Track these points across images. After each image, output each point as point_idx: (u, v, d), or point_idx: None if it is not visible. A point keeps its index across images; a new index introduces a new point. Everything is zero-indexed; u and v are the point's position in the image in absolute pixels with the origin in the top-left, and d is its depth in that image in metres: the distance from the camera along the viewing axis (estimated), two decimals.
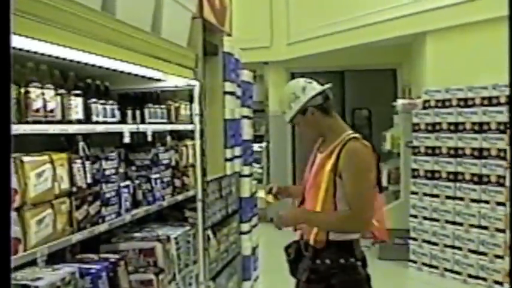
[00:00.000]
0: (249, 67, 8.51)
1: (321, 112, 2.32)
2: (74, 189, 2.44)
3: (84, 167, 2.53)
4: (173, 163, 3.60)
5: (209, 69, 3.41)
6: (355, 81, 7.82)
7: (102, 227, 2.64)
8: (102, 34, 2.17)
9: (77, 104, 2.56)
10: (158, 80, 3.08)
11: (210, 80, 3.39)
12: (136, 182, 3.24)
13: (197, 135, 3.09)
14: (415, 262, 5.43)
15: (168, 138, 3.69)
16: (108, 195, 2.76)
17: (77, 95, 2.56)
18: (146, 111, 3.38)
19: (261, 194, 2.67)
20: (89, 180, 2.61)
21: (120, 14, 2.28)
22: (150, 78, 3.10)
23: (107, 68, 2.76)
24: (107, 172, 2.78)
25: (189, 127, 3.17)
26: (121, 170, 3.22)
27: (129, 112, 3.32)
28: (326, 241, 2.29)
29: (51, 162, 2.28)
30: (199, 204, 3.17)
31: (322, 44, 6.87)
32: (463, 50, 5.27)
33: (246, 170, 4.01)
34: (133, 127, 3.10)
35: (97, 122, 2.73)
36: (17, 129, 2.08)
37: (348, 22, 6.47)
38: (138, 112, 3.37)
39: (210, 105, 3.40)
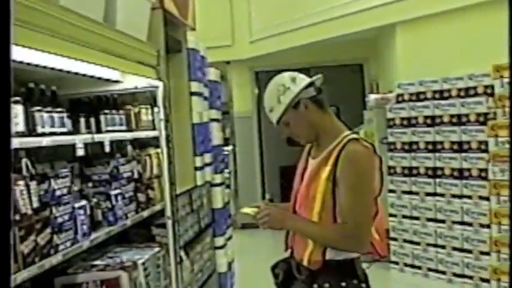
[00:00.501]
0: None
1: (316, 106, 1.98)
2: (17, 217, 2.01)
3: (28, 189, 2.10)
4: (136, 175, 3.20)
5: (172, 68, 3.03)
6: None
7: (55, 259, 2.21)
8: (44, 25, 1.75)
9: (16, 113, 2.13)
10: (115, 82, 2.66)
11: (174, 80, 3.00)
12: (94, 200, 2.83)
13: (163, 143, 2.69)
14: (396, 263, 5.20)
15: (129, 147, 3.27)
16: (60, 220, 2.33)
17: (16, 102, 2.13)
18: (102, 118, 2.96)
19: (246, 210, 2.25)
20: (36, 204, 2.19)
21: (65, 0, 1.87)
22: (105, 80, 2.68)
23: (52, 69, 2.33)
24: (58, 192, 2.35)
25: (153, 134, 2.77)
26: (75, 188, 2.79)
27: (82, 120, 2.89)
28: (323, 261, 1.93)
29: None
30: (168, 223, 2.77)
31: (286, 40, 6.59)
32: (435, 40, 5.08)
33: (218, 179, 3.64)
34: (87, 137, 2.67)
35: (43, 134, 2.30)
36: None
37: (312, 17, 6.21)
38: (92, 120, 2.95)
39: (175, 108, 3.02)
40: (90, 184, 2.94)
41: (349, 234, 1.86)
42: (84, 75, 2.54)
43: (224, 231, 3.71)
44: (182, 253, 2.84)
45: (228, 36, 7.25)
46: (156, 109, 2.71)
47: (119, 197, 2.95)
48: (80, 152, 2.58)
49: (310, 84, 1.99)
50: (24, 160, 2.18)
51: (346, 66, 7.44)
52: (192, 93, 3.16)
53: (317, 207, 1.91)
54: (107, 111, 2.98)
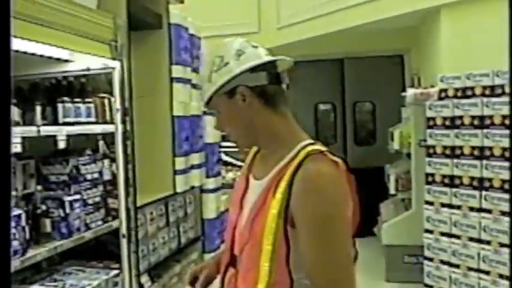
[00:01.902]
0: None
1: (261, 101, 1.33)
2: None
3: None
4: (107, 177, 2.67)
5: (148, 48, 2.47)
6: (357, 70, 6.82)
7: None
8: None
9: None
10: (65, 62, 2.13)
11: (150, 63, 2.43)
12: (42, 207, 2.31)
13: (119, 139, 2.13)
14: (430, 287, 4.47)
15: (101, 143, 2.73)
16: None
17: None
18: (60, 107, 2.44)
19: None
20: None
21: None
22: (63, 60, 2.15)
23: None
24: None
25: (109, 128, 2.22)
26: (13, 193, 2.29)
27: (38, 108, 2.39)
28: None
29: None
30: (123, 243, 2.21)
31: (317, 26, 5.93)
32: (486, 27, 4.34)
33: (211, 183, 3.05)
34: (28, 130, 2.15)
35: None
36: None
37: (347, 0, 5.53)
38: (48, 109, 2.44)
39: (151, 97, 2.44)
40: (39, 187, 2.43)
41: None
42: (23, 52, 2.01)
43: (218, 245, 3.13)
44: (145, 279, 2.28)
45: (254, 23, 6.65)
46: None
47: (77, 204, 2.43)
48: (15, 148, 2.06)
49: (263, 67, 1.32)
50: None
51: (385, 57, 6.68)
52: (173, 79, 2.58)
53: (264, 260, 1.26)
54: (66, 99, 2.47)
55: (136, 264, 2.25)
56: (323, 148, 1.32)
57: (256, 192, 1.35)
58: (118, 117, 2.14)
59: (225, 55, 1.33)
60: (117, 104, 2.12)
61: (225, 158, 7.80)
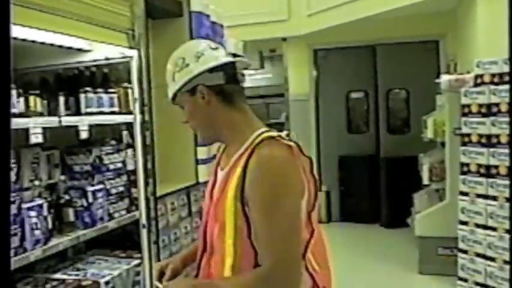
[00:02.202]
0: (267, 45, 7.54)
1: (219, 98, 1.46)
2: None
3: None
4: (131, 167, 2.67)
5: (169, 36, 2.43)
6: (390, 57, 6.61)
7: None
8: None
9: None
10: (84, 52, 2.13)
11: (171, 52, 2.39)
12: (66, 197, 2.33)
13: (137, 129, 2.12)
14: (465, 280, 4.33)
15: (124, 133, 2.73)
16: None
17: None
18: (82, 97, 2.45)
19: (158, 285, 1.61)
20: None
21: None
22: (82, 50, 2.15)
23: None
24: None
25: (131, 118, 2.20)
26: (36, 183, 2.32)
27: (62, 99, 2.41)
28: None
29: None
30: (143, 232, 2.20)
31: (349, 12, 5.77)
32: None
33: None
34: (49, 120, 2.17)
35: None
36: None
37: None
38: (71, 100, 2.45)
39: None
40: (62, 177, 2.45)
41: (271, 280, 1.33)
42: (41, 43, 2.01)
43: None
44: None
45: (284, 10, 6.54)
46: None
47: (100, 194, 2.45)
48: (35, 139, 2.08)
49: (221, 68, 1.45)
50: None
51: (419, 43, 6.45)
52: None
53: (229, 238, 1.38)
54: (89, 89, 2.47)
55: (156, 253, 2.25)
56: (276, 134, 1.42)
57: (220, 181, 1.47)
58: (136, 106, 2.12)
59: (186, 57, 1.47)
60: (135, 94, 2.10)
61: None
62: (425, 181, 4.97)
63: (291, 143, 1.38)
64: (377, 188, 6.48)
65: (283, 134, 1.44)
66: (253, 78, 8.02)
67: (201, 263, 1.53)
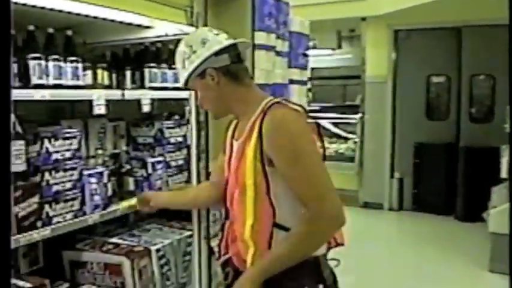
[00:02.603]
0: (345, 25, 7.35)
1: (227, 78, 1.63)
2: None
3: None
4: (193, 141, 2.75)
5: (229, 14, 2.46)
6: (476, 40, 6.15)
7: (39, 235, 1.88)
8: None
9: None
10: (145, 28, 2.20)
11: (231, 29, 2.42)
12: (127, 166, 2.46)
13: (192, 105, 2.18)
14: None
15: (187, 108, 2.81)
16: (57, 188, 1.99)
17: None
18: (146, 72, 2.54)
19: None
20: (20, 168, 1.87)
21: None
22: (140, 26, 2.23)
23: (69, 13, 1.96)
24: (56, 156, 2.01)
25: (184, 94, 2.26)
26: (100, 152, 2.46)
27: (128, 73, 2.52)
28: None
29: None
30: None
31: None
32: None
33: None
34: (112, 93, 2.28)
35: (41, 86, 1.95)
36: None
37: None
38: (137, 74, 2.56)
39: None
40: (124, 148, 2.59)
41: (318, 217, 1.46)
42: (105, 20, 2.11)
43: None
44: (215, 243, 2.34)
45: None
46: None
47: (159, 165, 2.55)
48: (99, 110, 2.21)
49: (225, 50, 1.61)
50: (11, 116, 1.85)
51: (507, 26, 5.93)
52: (255, 46, 2.55)
53: (249, 196, 1.53)
54: (153, 64, 2.57)
55: (206, 227, 2.32)
56: (283, 100, 1.59)
57: (237, 151, 1.62)
58: None
59: (193, 44, 1.63)
60: None
61: (333, 129, 7.69)
62: (503, 175, 4.65)
63: (298, 107, 1.55)
64: (454, 178, 6.15)
65: (290, 100, 1.64)
66: (330, 59, 7.88)
67: (224, 228, 1.72)
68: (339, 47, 7.44)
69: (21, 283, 1.71)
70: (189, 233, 2.40)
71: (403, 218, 6.44)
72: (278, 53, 2.76)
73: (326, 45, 7.43)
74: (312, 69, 8.57)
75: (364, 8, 6.30)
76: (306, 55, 3.11)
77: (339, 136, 7.45)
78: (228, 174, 1.69)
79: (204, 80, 1.63)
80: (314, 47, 7.56)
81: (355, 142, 6.95)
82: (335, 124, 7.54)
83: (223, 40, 1.64)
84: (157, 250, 2.16)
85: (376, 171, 6.69)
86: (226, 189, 1.69)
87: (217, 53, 1.60)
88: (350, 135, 7.24)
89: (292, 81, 2.97)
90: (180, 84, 1.74)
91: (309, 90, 8.55)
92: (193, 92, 2.17)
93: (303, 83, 3.13)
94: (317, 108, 7.87)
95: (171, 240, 2.27)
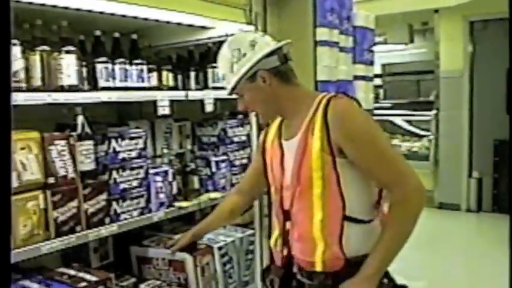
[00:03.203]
0: (417, 18, 7.05)
1: (277, 79, 1.60)
2: (51, 180, 1.80)
3: (70, 150, 1.87)
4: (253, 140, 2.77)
5: (292, 11, 2.44)
6: None
7: (106, 230, 1.97)
8: None
9: (68, 64, 1.89)
10: (204, 29, 2.24)
11: (294, 26, 2.41)
12: (192, 165, 2.51)
13: None
14: None
15: None
16: (124, 186, 2.07)
17: (69, 52, 1.89)
18: (209, 72, 2.58)
19: None
20: (88, 167, 1.96)
21: None
22: (201, 27, 2.27)
23: (135, 17, 2.05)
24: (123, 155, 2.09)
25: None
26: (165, 151, 2.53)
27: (192, 74, 2.58)
28: (344, 260, 1.50)
29: None
30: (255, 205, 2.28)
31: None
32: None
33: None
34: (176, 94, 2.34)
35: (108, 88, 2.04)
36: None
37: None
38: (201, 74, 2.60)
39: (293, 61, 2.42)
40: (189, 147, 2.64)
41: (413, 192, 1.47)
42: (166, 22, 2.17)
43: None
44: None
45: None
46: None
47: (223, 164, 2.59)
48: (163, 111, 2.27)
49: (273, 52, 1.59)
50: (80, 118, 1.95)
51: None
52: (317, 42, 2.51)
53: (316, 189, 1.50)
54: (215, 64, 2.60)
55: (268, 226, 2.31)
56: (337, 94, 1.59)
57: (292, 149, 1.57)
58: None
59: (241, 47, 1.59)
60: None
61: (406, 126, 7.42)
62: None
63: (352, 100, 1.56)
64: None
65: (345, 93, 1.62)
66: (402, 54, 7.61)
67: (285, 232, 1.63)
68: (411, 41, 7.15)
69: (87, 276, 1.79)
70: (251, 231, 2.40)
71: (482, 220, 6.07)
72: (342, 49, 2.70)
73: (397, 40, 7.18)
74: (383, 65, 8.39)
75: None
76: (371, 50, 3.02)
77: (412, 134, 7.18)
78: (281, 177, 1.64)
79: (254, 83, 1.59)
80: (385, 42, 7.35)
81: (429, 140, 6.66)
82: (408, 121, 7.28)
83: (270, 41, 1.63)
84: (220, 248, 2.19)
85: (453, 170, 6.36)
86: (282, 192, 1.64)
87: (267, 55, 1.58)
88: (424, 133, 6.95)
89: (357, 78, 2.89)
90: (226, 91, 1.68)
91: (380, 86, 8.41)
92: None
93: (369, 78, 3.04)
94: (389, 105, 7.64)
95: (234, 239, 2.28)
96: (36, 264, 1.93)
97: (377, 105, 7.89)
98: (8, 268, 0.90)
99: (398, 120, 7.19)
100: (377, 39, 7.39)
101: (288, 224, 1.61)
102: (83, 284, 1.72)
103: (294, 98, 1.61)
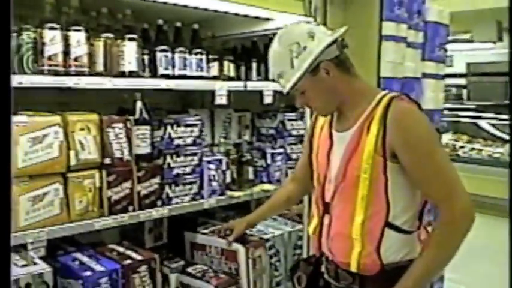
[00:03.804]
0: (506, 15, 6.55)
1: (339, 69, 1.50)
2: (107, 160, 1.90)
3: (127, 134, 1.95)
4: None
5: (357, 3, 2.38)
6: None
7: (158, 213, 2.05)
8: None
9: (129, 51, 1.98)
10: (264, 21, 2.24)
11: (355, 20, 2.36)
12: (247, 156, 2.53)
13: None
14: None
15: None
16: (177, 172, 2.14)
17: (131, 40, 1.98)
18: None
19: None
20: (144, 151, 2.05)
21: None
22: (261, 19, 2.28)
23: (195, 8, 2.09)
24: (178, 142, 2.16)
25: None
26: (222, 140, 2.57)
27: (254, 65, 2.59)
28: (380, 265, 1.45)
29: (63, 125, 1.77)
30: (305, 200, 2.25)
31: None
32: None
33: None
34: (235, 84, 2.36)
35: (167, 76, 2.11)
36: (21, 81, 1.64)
37: None
38: (262, 66, 2.61)
39: (356, 56, 2.37)
40: (246, 137, 2.67)
41: (457, 215, 1.39)
42: (225, 12, 2.20)
43: None
44: None
45: None
46: None
47: (279, 157, 2.59)
48: (220, 100, 2.30)
49: (334, 41, 1.48)
50: (139, 103, 2.04)
51: None
52: (383, 37, 2.43)
53: (362, 191, 1.44)
54: None
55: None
56: (398, 94, 1.50)
57: (343, 142, 1.51)
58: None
59: (300, 41, 1.48)
60: None
61: (491, 130, 6.96)
62: None
63: (414, 103, 1.48)
64: None
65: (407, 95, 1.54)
66: (489, 53, 7.16)
67: (322, 226, 1.59)
68: (500, 39, 6.68)
69: (134, 255, 1.87)
70: (301, 226, 2.38)
71: None
72: (410, 45, 2.58)
73: (484, 38, 6.74)
74: (468, 64, 7.92)
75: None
76: (444, 47, 2.86)
77: (496, 138, 6.73)
78: (326, 167, 1.57)
79: (316, 76, 1.48)
80: (470, 41, 6.95)
81: None
82: (493, 125, 6.84)
83: (325, 30, 1.54)
84: (267, 240, 2.19)
85: None
86: (324, 183, 1.58)
87: (329, 44, 1.48)
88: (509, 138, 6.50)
89: (426, 75, 2.76)
90: (285, 89, 1.55)
91: (464, 87, 7.95)
92: None
93: (440, 77, 2.88)
94: (472, 106, 7.23)
95: (282, 232, 2.28)
96: (95, 239, 2.05)
97: (460, 106, 7.51)
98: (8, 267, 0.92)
99: (482, 123, 6.79)
100: (461, 36, 7.01)
101: (327, 218, 1.56)
102: (128, 261, 1.80)
103: (354, 90, 1.52)
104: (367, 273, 1.46)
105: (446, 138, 6.81)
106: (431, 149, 1.42)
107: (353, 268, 1.47)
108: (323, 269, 1.61)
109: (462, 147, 6.57)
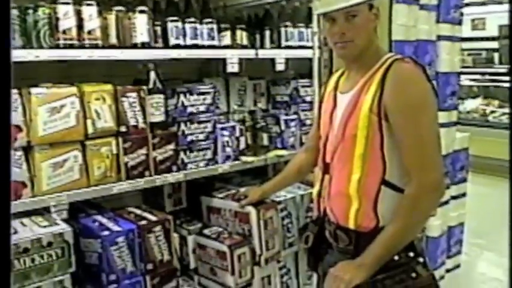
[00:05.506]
0: None
1: (376, 22, 1.55)
2: (123, 128, 2.01)
3: (141, 103, 2.05)
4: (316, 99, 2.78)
5: None
6: None
7: (173, 178, 2.15)
8: None
9: (140, 23, 2.06)
10: None
11: None
12: (262, 123, 2.59)
13: (314, 65, 2.17)
14: None
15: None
16: (191, 138, 2.23)
17: (141, 12, 2.05)
18: (283, 31, 2.62)
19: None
20: (158, 119, 2.14)
21: None
22: None
23: None
24: (191, 109, 2.24)
25: (309, 53, 2.25)
26: (235, 107, 2.63)
27: (267, 33, 2.63)
28: (376, 223, 1.48)
29: (79, 95, 1.88)
30: None
31: None
32: None
33: (442, 118, 2.79)
34: (246, 53, 2.41)
35: (178, 46, 2.18)
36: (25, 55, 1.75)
37: None
38: (275, 34, 2.65)
39: None
40: (260, 105, 2.73)
41: (424, 190, 1.41)
42: None
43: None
44: None
45: None
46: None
47: (292, 123, 2.65)
48: (231, 68, 2.36)
49: None
50: (152, 74, 2.12)
51: None
52: (393, 0, 2.41)
53: (359, 149, 1.47)
54: (288, 23, 2.63)
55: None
56: (404, 57, 1.51)
57: (344, 102, 1.54)
58: (315, 40, 2.17)
59: None
60: (314, 27, 2.14)
61: None
62: None
63: (419, 66, 1.47)
64: None
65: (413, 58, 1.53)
66: None
67: (322, 184, 1.64)
68: None
69: (149, 216, 1.98)
70: (310, 190, 2.44)
71: None
72: (422, 7, 2.55)
73: None
74: (500, 26, 7.63)
75: None
76: (460, 10, 2.81)
77: None
78: (328, 128, 1.61)
79: (370, 12, 1.51)
80: (501, 2, 6.70)
81: None
82: None
83: None
84: (279, 202, 2.26)
85: None
86: (326, 144, 1.62)
87: None
88: None
89: (440, 38, 2.72)
90: (349, 3, 1.50)
91: (496, 50, 7.69)
92: (316, 50, 2.17)
93: (456, 39, 2.83)
94: (504, 71, 7.01)
95: (294, 195, 2.34)
96: (118, 205, 2.18)
97: (490, 70, 7.29)
98: (8, 266, 0.92)
99: None
100: None
101: (327, 178, 1.60)
102: (144, 222, 1.92)
103: (373, 46, 1.54)
104: (365, 229, 1.49)
105: (477, 103, 6.68)
106: (418, 115, 1.41)
107: (351, 225, 1.51)
108: (326, 230, 1.66)
109: (493, 111, 6.43)
